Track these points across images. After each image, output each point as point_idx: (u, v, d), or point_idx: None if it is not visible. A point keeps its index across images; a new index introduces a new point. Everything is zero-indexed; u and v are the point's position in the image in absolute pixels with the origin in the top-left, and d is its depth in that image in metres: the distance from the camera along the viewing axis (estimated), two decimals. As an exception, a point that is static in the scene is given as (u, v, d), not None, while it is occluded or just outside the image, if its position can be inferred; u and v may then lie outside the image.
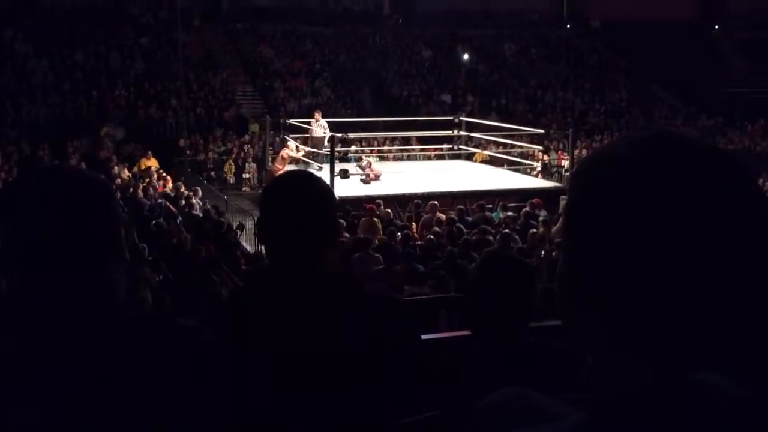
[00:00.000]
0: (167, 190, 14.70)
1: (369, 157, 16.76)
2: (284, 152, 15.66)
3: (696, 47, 30.75)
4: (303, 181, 1.89)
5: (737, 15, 32.31)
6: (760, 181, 16.20)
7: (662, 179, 0.72)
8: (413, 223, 11.78)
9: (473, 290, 2.12)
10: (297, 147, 16.21)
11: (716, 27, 33.48)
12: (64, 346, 1.23)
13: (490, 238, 10.01)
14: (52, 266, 1.27)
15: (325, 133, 16.08)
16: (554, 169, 19.13)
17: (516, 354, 2.00)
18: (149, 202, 12.98)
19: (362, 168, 15.28)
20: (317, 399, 1.75)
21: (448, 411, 1.85)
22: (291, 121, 17.87)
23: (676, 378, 0.75)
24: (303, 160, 15.99)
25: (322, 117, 16.82)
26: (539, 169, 17.19)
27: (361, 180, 14.92)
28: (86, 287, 1.28)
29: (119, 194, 12.05)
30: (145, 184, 14.46)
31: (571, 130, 17.43)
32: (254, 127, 22.07)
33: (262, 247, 6.71)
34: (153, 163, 17.44)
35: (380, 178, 15.05)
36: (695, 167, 0.73)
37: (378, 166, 15.83)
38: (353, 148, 17.81)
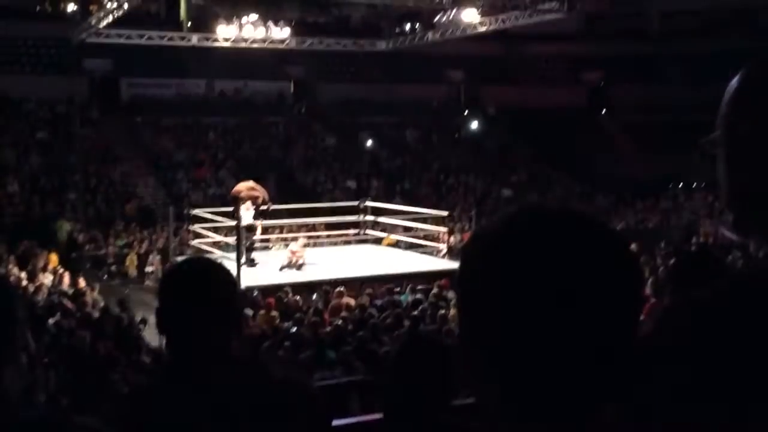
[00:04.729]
0: (64, 287, 14.06)
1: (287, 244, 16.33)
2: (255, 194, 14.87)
3: (587, 132, 32.45)
4: (202, 266, 1.83)
5: (621, 101, 34.39)
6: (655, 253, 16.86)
7: (528, 250, 0.77)
8: (322, 310, 11.63)
9: (393, 372, 2.07)
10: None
11: (603, 112, 35.49)
12: None
13: (400, 321, 10.00)
14: None
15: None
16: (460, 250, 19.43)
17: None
18: (43, 300, 12.36)
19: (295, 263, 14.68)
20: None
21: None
22: (195, 211, 17.56)
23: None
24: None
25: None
26: (445, 250, 17.41)
27: (285, 267, 14.48)
28: None
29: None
30: (39, 282, 13.80)
31: (474, 211, 17.79)
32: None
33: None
34: (51, 259, 16.71)
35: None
36: (558, 236, 0.78)
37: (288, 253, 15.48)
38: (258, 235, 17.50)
